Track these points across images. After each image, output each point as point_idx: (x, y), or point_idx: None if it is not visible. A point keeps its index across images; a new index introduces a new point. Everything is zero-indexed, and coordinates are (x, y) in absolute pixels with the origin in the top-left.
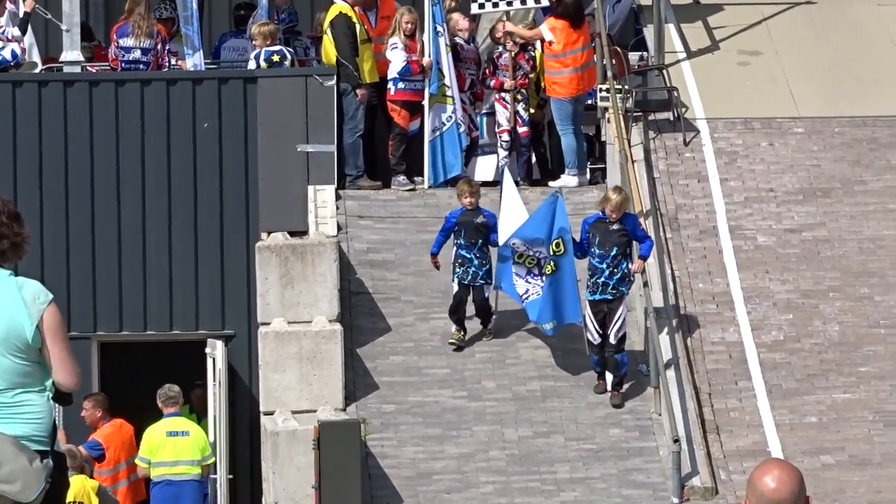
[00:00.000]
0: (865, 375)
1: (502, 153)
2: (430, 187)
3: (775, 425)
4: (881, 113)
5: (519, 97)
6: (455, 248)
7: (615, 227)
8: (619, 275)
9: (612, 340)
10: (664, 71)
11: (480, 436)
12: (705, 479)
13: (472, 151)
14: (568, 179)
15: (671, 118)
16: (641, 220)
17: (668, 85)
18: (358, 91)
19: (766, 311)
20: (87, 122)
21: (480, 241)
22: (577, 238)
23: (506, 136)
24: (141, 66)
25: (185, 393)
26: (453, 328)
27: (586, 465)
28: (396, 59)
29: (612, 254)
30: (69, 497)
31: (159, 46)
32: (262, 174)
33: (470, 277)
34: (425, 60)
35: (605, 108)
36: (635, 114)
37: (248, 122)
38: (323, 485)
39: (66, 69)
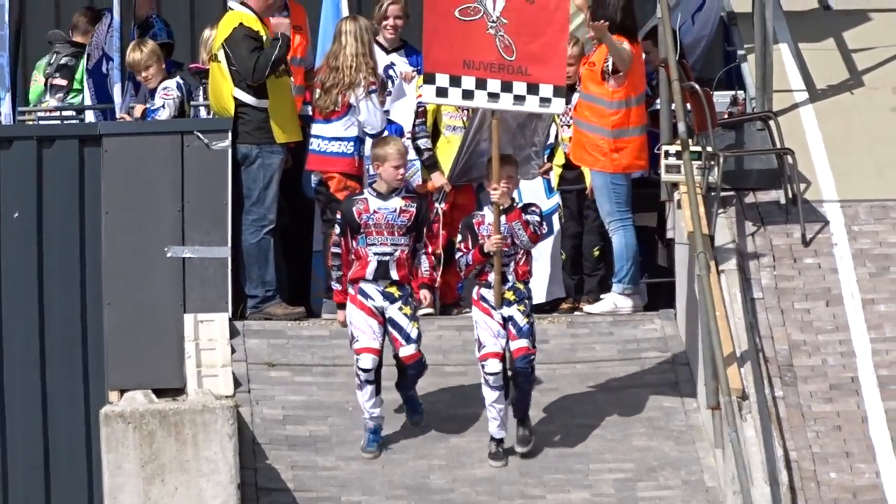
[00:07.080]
0: None
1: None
2: None
3: None
4: None
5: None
6: None
7: None
8: None
9: None
10: (772, 122)
11: None
12: None
13: None
14: (620, 300)
15: (782, 201)
16: None
17: (779, 146)
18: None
19: None
20: None
21: None
22: None
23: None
24: None
25: None
26: None
27: None
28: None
29: None
30: None
31: None
32: (107, 296)
33: None
34: None
35: (674, 185)
36: (723, 194)
37: (84, 209)
38: None
39: None
